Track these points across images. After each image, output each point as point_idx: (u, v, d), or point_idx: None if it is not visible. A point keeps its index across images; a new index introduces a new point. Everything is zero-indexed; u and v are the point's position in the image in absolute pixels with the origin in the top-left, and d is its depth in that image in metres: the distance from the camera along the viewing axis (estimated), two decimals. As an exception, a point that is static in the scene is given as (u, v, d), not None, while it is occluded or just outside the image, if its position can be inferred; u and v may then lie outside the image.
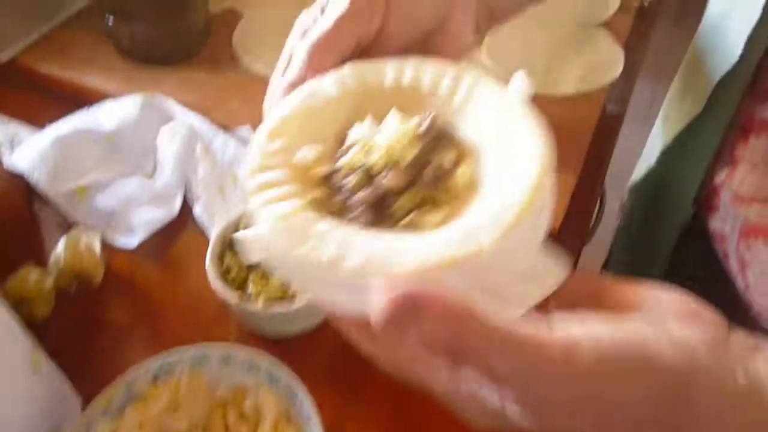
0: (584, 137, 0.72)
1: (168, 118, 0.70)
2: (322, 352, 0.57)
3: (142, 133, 0.69)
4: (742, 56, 0.54)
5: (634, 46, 0.85)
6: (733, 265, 0.59)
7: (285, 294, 0.55)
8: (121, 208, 0.64)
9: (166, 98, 0.71)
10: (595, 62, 0.80)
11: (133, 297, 0.61)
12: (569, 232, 0.64)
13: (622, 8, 0.89)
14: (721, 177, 0.60)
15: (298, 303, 0.54)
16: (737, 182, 0.59)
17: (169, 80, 0.76)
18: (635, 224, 0.76)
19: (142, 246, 0.64)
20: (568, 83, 0.77)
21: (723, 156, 0.60)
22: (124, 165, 0.68)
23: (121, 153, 0.69)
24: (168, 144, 0.65)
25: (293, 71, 0.39)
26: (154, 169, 0.68)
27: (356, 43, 0.38)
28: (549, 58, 0.81)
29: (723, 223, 0.61)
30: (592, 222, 0.83)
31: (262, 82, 0.82)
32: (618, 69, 0.80)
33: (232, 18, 0.84)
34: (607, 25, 0.86)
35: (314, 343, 0.58)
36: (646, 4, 0.94)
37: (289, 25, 0.90)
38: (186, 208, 0.66)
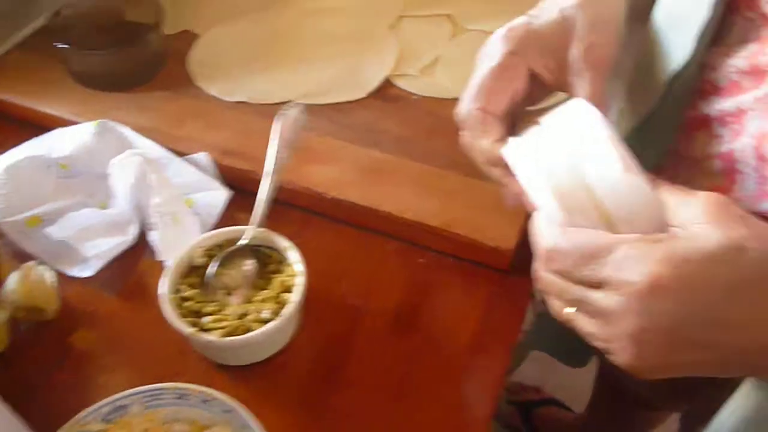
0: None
1: (123, 145, 0.69)
2: (285, 377, 0.57)
3: (96, 160, 0.68)
4: (692, 54, 0.56)
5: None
6: None
7: (242, 323, 0.55)
8: (75, 239, 0.63)
9: (120, 125, 0.70)
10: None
11: (91, 329, 0.61)
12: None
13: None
14: (667, 174, 0.61)
15: (256, 332, 0.54)
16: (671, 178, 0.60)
17: (125, 105, 0.75)
18: None
19: (98, 276, 0.63)
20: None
21: (671, 153, 0.61)
22: (78, 193, 0.68)
23: (75, 180, 0.68)
24: (121, 173, 0.64)
25: None
26: (109, 197, 0.67)
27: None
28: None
29: None
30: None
31: (218, 106, 0.83)
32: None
33: (188, 39, 0.84)
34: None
35: (276, 368, 0.58)
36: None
37: (245, 46, 0.90)
38: (143, 235, 0.66)
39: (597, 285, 0.39)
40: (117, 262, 0.65)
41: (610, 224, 0.41)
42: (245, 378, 0.57)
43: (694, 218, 0.38)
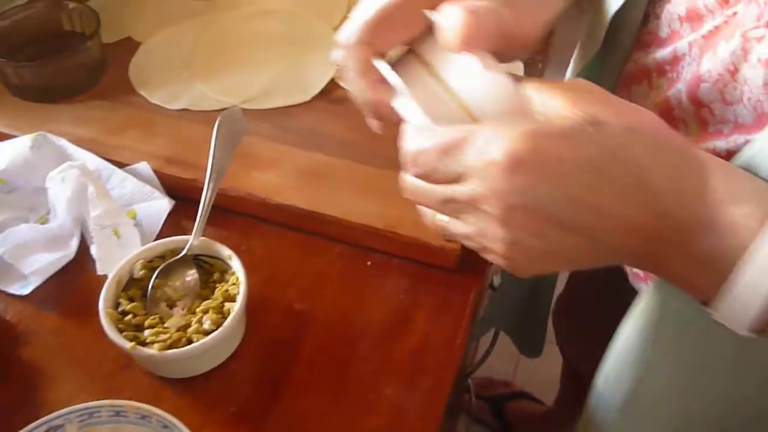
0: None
1: (61, 157, 0.68)
2: (231, 387, 0.57)
3: (34, 174, 0.67)
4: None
5: (534, 55, 0.87)
6: None
7: (183, 335, 0.55)
8: (13, 255, 0.62)
9: (58, 137, 0.69)
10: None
11: (32, 347, 0.59)
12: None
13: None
14: None
15: (196, 344, 0.53)
16: None
17: (63, 116, 0.74)
18: None
19: (39, 292, 0.62)
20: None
21: None
22: (16, 208, 0.66)
23: (12, 195, 0.66)
24: (59, 186, 0.63)
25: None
26: (49, 211, 0.66)
27: None
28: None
29: None
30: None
31: (160, 114, 0.81)
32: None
33: (129, 47, 0.83)
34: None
35: (222, 378, 0.57)
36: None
37: (187, 53, 0.89)
38: (86, 249, 0.65)
39: (462, 178, 0.38)
40: (58, 277, 0.63)
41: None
42: (191, 389, 0.56)
43: (558, 105, 0.38)
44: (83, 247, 0.65)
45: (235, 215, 0.67)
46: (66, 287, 0.63)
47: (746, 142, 0.45)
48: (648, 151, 0.37)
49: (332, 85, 0.78)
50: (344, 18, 0.86)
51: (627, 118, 0.37)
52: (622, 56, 0.59)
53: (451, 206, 0.40)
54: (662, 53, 0.54)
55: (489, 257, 0.40)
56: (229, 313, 0.55)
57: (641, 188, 0.36)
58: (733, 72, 0.46)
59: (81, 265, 0.64)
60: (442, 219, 0.42)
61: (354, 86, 0.47)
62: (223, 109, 0.72)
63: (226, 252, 0.59)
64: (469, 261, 0.63)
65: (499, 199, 0.36)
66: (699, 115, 0.50)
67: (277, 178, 0.67)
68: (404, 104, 0.43)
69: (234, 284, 0.58)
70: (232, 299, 0.57)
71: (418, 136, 0.40)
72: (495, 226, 0.37)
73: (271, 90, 0.77)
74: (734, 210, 0.36)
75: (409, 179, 0.42)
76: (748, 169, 0.40)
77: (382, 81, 0.44)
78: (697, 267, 0.38)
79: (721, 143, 0.48)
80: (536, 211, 0.36)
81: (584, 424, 0.59)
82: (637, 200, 0.36)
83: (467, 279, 0.63)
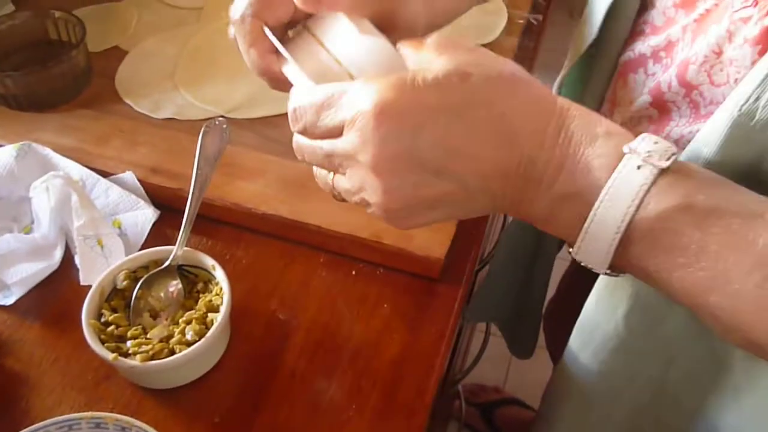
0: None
1: (46, 167, 0.68)
2: (213, 398, 0.57)
3: (18, 183, 0.66)
4: None
5: (520, 65, 0.87)
6: None
7: (166, 346, 0.54)
8: (-5, 266, 0.62)
9: (43, 147, 0.69)
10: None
11: (14, 357, 0.59)
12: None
13: (507, 28, 0.90)
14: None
15: (178, 355, 0.53)
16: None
17: (49, 125, 0.74)
18: None
19: (23, 302, 0.62)
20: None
21: (608, 100, 0.62)
22: (1, 218, 0.66)
23: (-4, 206, 0.66)
24: (43, 195, 0.63)
25: None
26: (33, 221, 0.66)
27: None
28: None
29: None
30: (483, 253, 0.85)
31: (145, 123, 0.81)
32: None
33: (115, 56, 0.83)
34: (493, 45, 0.88)
35: (205, 389, 0.57)
36: (534, 21, 0.96)
37: (173, 61, 0.89)
38: (70, 259, 0.64)
39: (340, 132, 0.40)
40: (42, 288, 0.63)
41: None
42: (174, 400, 0.56)
43: (428, 59, 0.40)
44: (68, 257, 0.65)
45: (219, 225, 0.67)
46: (49, 297, 0.63)
47: None
48: (508, 98, 0.39)
49: (318, 94, 0.78)
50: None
51: (490, 68, 0.40)
52: (618, 46, 0.60)
53: (333, 161, 0.42)
54: (657, 40, 0.55)
55: (371, 211, 0.43)
56: (212, 324, 0.55)
57: (502, 131, 0.39)
58: (719, 53, 0.48)
59: (65, 274, 0.64)
60: (326, 177, 0.46)
61: (246, 57, 0.49)
62: (209, 119, 0.73)
63: (209, 262, 0.59)
64: (453, 271, 0.64)
65: (371, 147, 0.38)
66: (690, 97, 0.51)
67: (262, 188, 0.67)
68: (291, 70, 0.46)
69: (218, 294, 0.58)
70: (216, 310, 0.57)
71: (299, 95, 0.42)
72: (370, 175, 0.39)
73: (255, 99, 0.77)
74: (589, 151, 0.38)
75: (295, 137, 0.45)
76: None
77: (274, 51, 0.47)
78: (558, 207, 0.40)
79: None
80: (405, 157, 0.38)
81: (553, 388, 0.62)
82: (498, 142, 0.39)
83: (451, 288, 0.63)
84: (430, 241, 0.63)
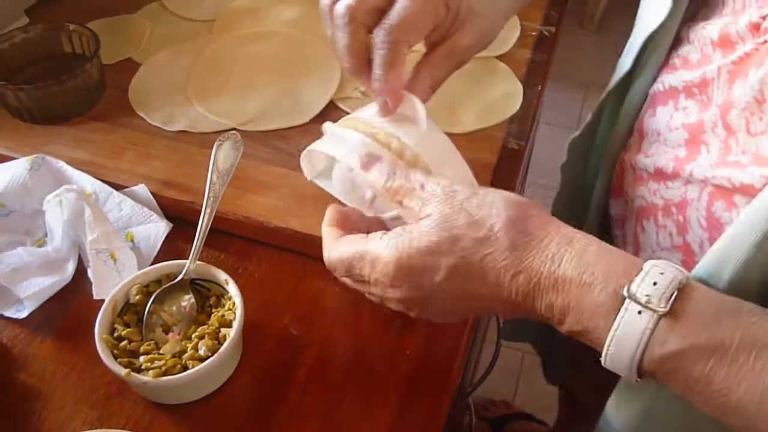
0: (485, 175, 0.72)
1: (59, 180, 0.68)
2: (225, 414, 0.56)
3: (32, 196, 0.66)
4: (668, 15, 0.58)
5: (534, 77, 0.87)
6: (629, 250, 0.63)
7: (178, 361, 0.54)
8: (8, 279, 0.61)
9: (56, 159, 0.69)
10: (493, 97, 0.81)
11: (27, 372, 0.59)
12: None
13: (520, 40, 0.90)
14: (627, 153, 0.64)
15: (191, 371, 0.53)
16: (636, 154, 0.62)
17: (62, 138, 0.74)
18: (569, 184, 0.78)
19: (35, 316, 0.62)
20: (467, 120, 0.78)
21: (638, 129, 0.63)
22: (13, 231, 0.66)
23: (9, 218, 0.66)
24: (56, 209, 0.63)
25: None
26: (46, 234, 0.65)
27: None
28: (445, 94, 0.82)
29: (623, 207, 0.65)
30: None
31: (159, 136, 0.81)
32: (517, 103, 0.81)
33: (128, 68, 0.83)
34: (506, 57, 0.87)
35: (217, 404, 0.56)
36: (547, 33, 0.96)
37: (186, 74, 0.89)
38: (83, 272, 0.64)
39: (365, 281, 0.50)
40: (54, 301, 0.63)
41: (425, 169, 0.52)
42: (186, 416, 0.56)
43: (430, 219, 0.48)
44: (80, 270, 0.65)
45: (232, 238, 0.67)
46: (62, 311, 0.63)
47: (761, 176, 0.46)
48: (498, 260, 0.44)
49: (330, 107, 0.78)
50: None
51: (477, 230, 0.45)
52: (651, 78, 0.61)
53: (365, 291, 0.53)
54: (691, 76, 0.55)
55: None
56: (224, 339, 0.55)
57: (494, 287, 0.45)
58: (761, 101, 0.47)
59: (78, 288, 0.64)
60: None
61: (344, 63, 0.58)
62: (222, 131, 0.73)
63: (222, 276, 0.58)
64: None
65: (395, 296, 0.49)
66: (726, 142, 0.51)
67: (275, 201, 0.67)
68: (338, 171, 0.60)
69: (230, 309, 0.57)
70: (228, 325, 0.56)
71: (327, 245, 0.52)
72: (402, 307, 0.51)
73: (269, 112, 0.77)
74: (586, 297, 0.41)
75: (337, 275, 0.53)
76: None
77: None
78: (576, 336, 0.44)
79: (737, 173, 0.48)
80: (423, 302, 0.49)
81: None
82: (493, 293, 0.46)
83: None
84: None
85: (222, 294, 0.59)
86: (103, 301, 0.58)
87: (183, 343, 0.56)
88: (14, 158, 0.69)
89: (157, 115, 0.76)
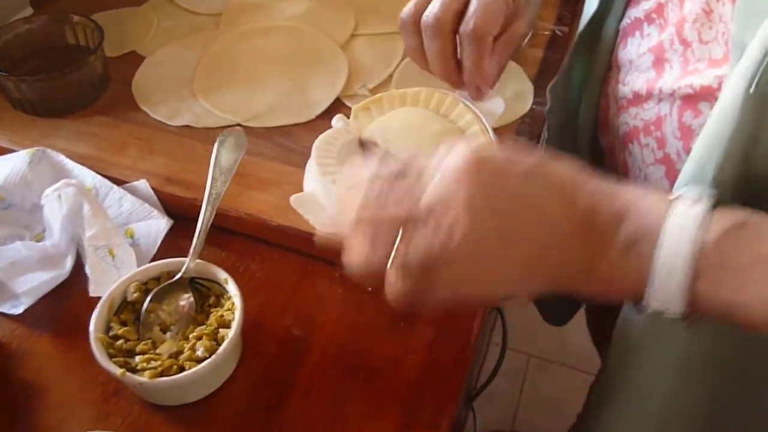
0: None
1: (59, 174, 0.67)
2: (224, 416, 0.55)
3: (31, 190, 0.65)
4: None
5: (545, 77, 0.85)
6: (620, 174, 0.66)
7: (175, 362, 0.53)
8: (5, 274, 0.60)
9: (57, 153, 0.68)
10: (504, 97, 0.80)
11: (22, 369, 0.58)
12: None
13: (532, 39, 0.89)
14: (608, 86, 0.67)
15: (187, 372, 0.52)
16: (615, 85, 0.65)
17: (64, 131, 0.73)
18: (555, 126, 0.79)
19: (31, 312, 0.61)
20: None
21: (614, 63, 0.67)
22: (13, 225, 0.65)
23: (8, 212, 0.65)
24: (54, 203, 0.61)
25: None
26: (45, 228, 0.64)
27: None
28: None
29: (611, 137, 0.67)
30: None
31: (161, 131, 0.80)
32: (528, 103, 0.79)
33: (132, 61, 0.82)
34: (518, 57, 0.86)
35: (215, 406, 0.55)
36: (559, 33, 0.94)
37: (191, 68, 0.88)
38: (80, 267, 0.63)
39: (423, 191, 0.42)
40: (52, 297, 0.62)
41: None
42: (183, 417, 0.55)
43: None
44: (78, 266, 0.63)
45: (234, 236, 0.66)
46: (59, 307, 0.62)
47: (716, 77, 0.50)
48: (564, 174, 0.43)
49: (337, 104, 0.77)
50: (351, 35, 0.85)
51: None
52: (619, 15, 0.66)
53: (412, 219, 0.42)
54: (649, 4, 0.60)
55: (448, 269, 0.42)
56: (223, 340, 0.54)
57: (567, 195, 0.42)
58: (708, 12, 0.52)
59: (76, 284, 0.63)
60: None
61: (436, 68, 0.64)
62: (225, 127, 0.71)
63: (222, 275, 0.57)
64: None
65: (464, 189, 0.40)
66: (684, 55, 0.55)
67: (278, 199, 0.65)
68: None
69: (229, 309, 0.56)
70: (227, 325, 0.55)
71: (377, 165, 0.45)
72: (461, 211, 0.40)
73: (274, 108, 0.75)
74: (641, 201, 0.41)
75: (359, 235, 0.44)
76: None
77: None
78: (626, 257, 0.41)
79: (696, 79, 0.52)
80: (491, 198, 0.41)
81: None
82: (564, 202, 0.42)
83: (468, 309, 0.61)
84: (450, 258, 0.61)
85: (222, 293, 0.58)
86: (100, 298, 0.56)
87: (180, 343, 0.55)
88: (15, 151, 0.68)
89: (161, 110, 0.75)
